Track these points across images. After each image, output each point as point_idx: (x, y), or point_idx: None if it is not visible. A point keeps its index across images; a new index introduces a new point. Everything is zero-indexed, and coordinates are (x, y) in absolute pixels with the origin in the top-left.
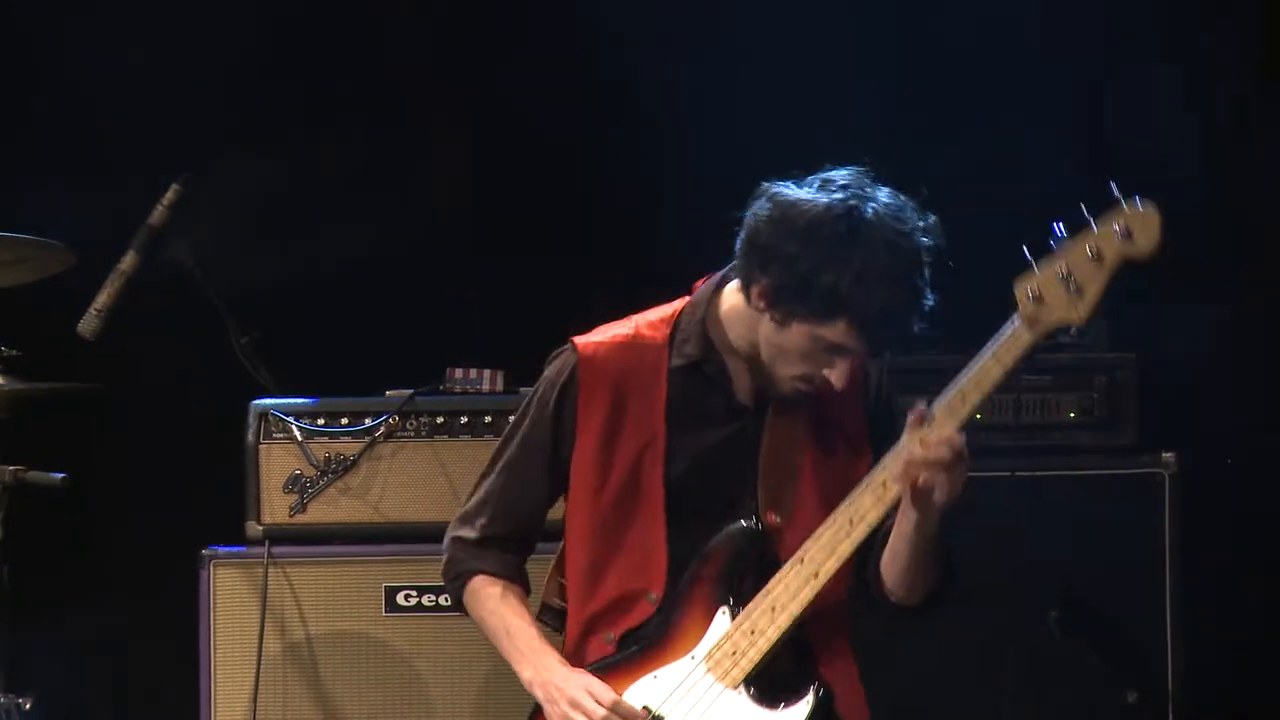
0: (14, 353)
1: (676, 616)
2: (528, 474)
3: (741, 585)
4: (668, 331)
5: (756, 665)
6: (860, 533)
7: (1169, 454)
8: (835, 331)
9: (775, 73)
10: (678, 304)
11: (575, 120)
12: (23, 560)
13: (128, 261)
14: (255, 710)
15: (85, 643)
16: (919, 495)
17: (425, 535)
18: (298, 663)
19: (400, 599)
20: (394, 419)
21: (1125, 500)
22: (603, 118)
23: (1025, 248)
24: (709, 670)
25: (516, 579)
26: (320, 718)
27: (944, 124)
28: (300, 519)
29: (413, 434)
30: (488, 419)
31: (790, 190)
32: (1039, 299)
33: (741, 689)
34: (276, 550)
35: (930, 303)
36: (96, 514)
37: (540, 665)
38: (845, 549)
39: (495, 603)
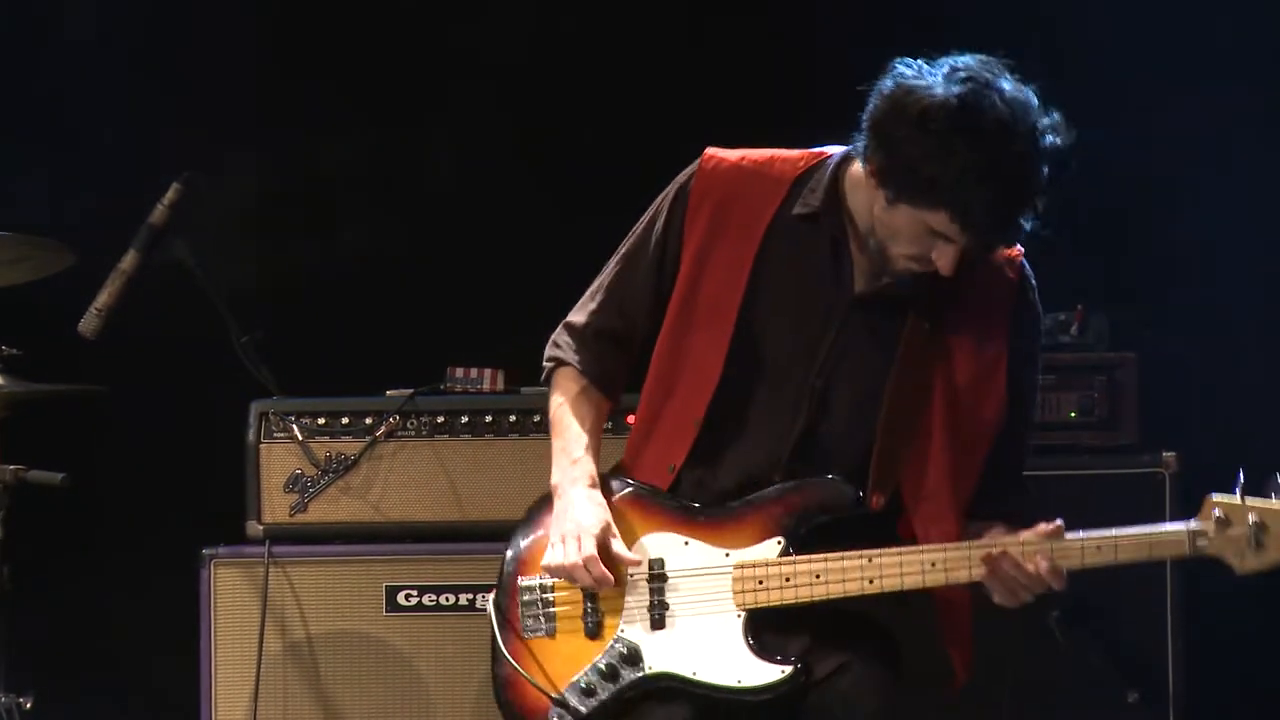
0: (14, 352)
1: (741, 512)
2: (638, 267)
3: (809, 532)
4: (799, 170)
5: (770, 607)
6: (934, 581)
7: (1169, 453)
8: (938, 220)
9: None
10: (823, 150)
11: (572, 119)
12: (23, 559)
13: (128, 261)
14: (256, 710)
15: (86, 642)
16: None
17: (426, 535)
18: (298, 662)
19: (401, 599)
20: (395, 418)
21: (1126, 500)
22: (601, 116)
23: (1241, 472)
24: (731, 576)
25: (601, 384)
26: (321, 717)
27: None
28: (301, 518)
29: (413, 434)
30: (488, 419)
31: (914, 72)
32: (1223, 523)
33: (743, 615)
34: (277, 550)
35: (1043, 203)
36: (97, 513)
37: (567, 476)
38: (912, 584)
39: (568, 398)
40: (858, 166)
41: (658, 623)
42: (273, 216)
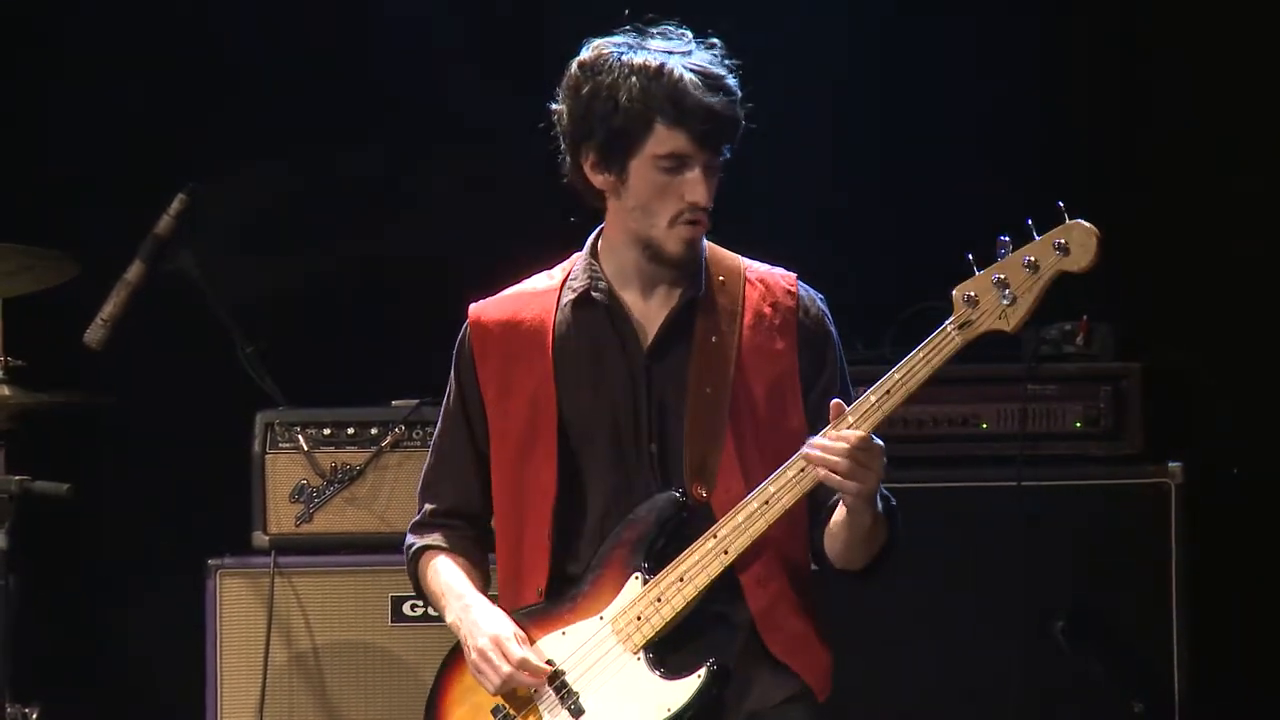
0: (20, 363)
1: (595, 576)
2: (452, 445)
3: (658, 553)
4: (564, 276)
5: (658, 632)
6: (774, 514)
7: (1175, 464)
8: (662, 139)
9: None
10: (573, 252)
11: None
12: (29, 570)
13: (133, 272)
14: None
15: (91, 653)
16: (838, 486)
17: None
18: (304, 673)
19: (406, 609)
20: (400, 429)
21: (1131, 510)
22: None
23: (970, 255)
24: (614, 632)
25: (460, 551)
26: None
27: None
28: (306, 529)
29: (418, 444)
30: None
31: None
32: (974, 302)
33: (641, 655)
34: (283, 560)
35: (736, 89)
36: (102, 524)
37: (460, 605)
38: (758, 529)
39: (434, 569)
40: (604, 232)
41: (577, 710)
42: (278, 226)
